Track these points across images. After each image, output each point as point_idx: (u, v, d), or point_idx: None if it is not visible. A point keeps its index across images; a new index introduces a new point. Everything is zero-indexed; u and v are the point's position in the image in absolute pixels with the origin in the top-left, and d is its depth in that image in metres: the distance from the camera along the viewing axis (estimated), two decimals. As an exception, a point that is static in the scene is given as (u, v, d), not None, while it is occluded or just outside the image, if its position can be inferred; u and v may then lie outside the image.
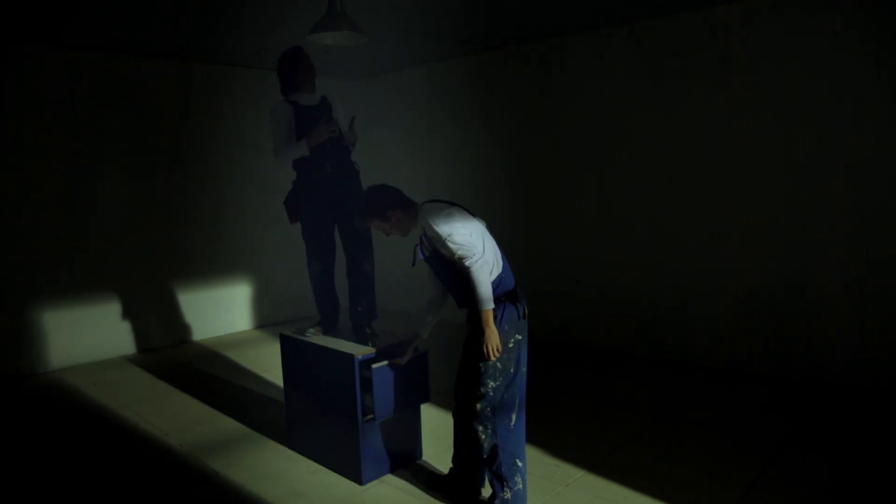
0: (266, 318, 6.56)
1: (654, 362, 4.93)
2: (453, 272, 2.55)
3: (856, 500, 2.87)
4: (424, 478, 3.12)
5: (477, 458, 2.83)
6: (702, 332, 4.76)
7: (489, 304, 2.47)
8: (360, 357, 2.99)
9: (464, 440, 2.83)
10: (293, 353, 3.45)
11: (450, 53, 5.98)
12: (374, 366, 2.91)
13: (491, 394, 2.58)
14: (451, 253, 2.48)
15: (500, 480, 2.61)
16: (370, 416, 3.00)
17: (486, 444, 2.62)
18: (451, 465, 2.99)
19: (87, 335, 5.37)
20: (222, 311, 6.24)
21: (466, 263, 2.45)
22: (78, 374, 5.03)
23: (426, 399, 3.23)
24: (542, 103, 5.57)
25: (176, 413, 4.12)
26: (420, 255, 2.67)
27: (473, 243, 2.47)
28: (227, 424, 3.90)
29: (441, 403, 4.05)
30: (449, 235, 2.46)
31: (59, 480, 3.26)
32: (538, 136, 5.65)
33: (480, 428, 2.62)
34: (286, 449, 3.51)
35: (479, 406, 2.60)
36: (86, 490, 3.15)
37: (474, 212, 2.72)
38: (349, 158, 3.43)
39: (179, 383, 4.72)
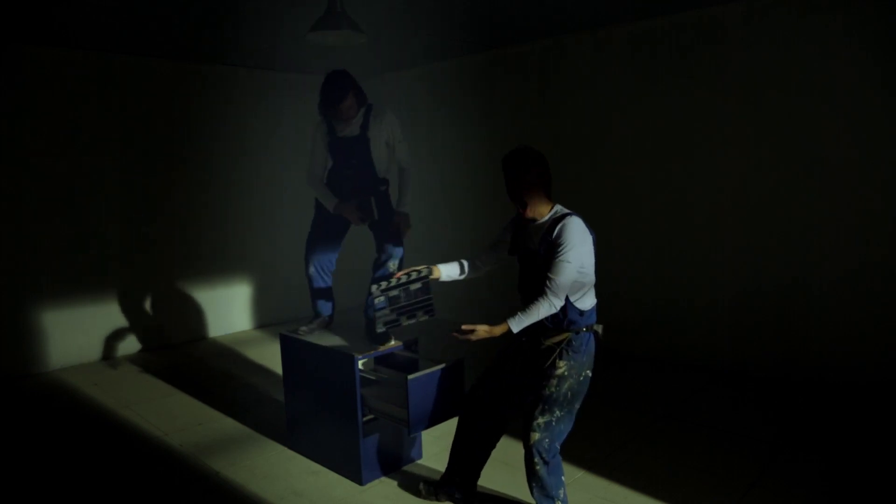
0: (266, 317, 6.56)
1: (654, 362, 4.93)
2: (539, 279, 2.44)
3: (856, 501, 2.87)
4: (425, 478, 3.11)
5: (481, 461, 2.81)
6: (702, 332, 4.76)
7: (517, 328, 2.40)
8: (359, 357, 2.99)
9: (469, 443, 2.78)
10: (293, 353, 3.45)
11: (450, 53, 5.98)
12: (410, 377, 2.70)
13: (554, 423, 2.43)
14: (555, 271, 2.36)
15: (550, 499, 2.50)
16: (406, 430, 2.84)
17: (539, 474, 2.45)
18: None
19: (87, 335, 5.37)
20: (222, 311, 6.24)
21: (547, 292, 2.35)
22: (78, 374, 5.03)
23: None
24: (542, 103, 5.57)
25: (176, 413, 4.12)
26: (527, 249, 2.54)
27: (568, 283, 2.37)
28: (227, 424, 3.90)
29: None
30: (568, 263, 2.34)
31: (59, 480, 3.26)
32: (538, 137, 5.63)
33: (537, 459, 2.44)
34: (286, 449, 3.51)
35: (538, 436, 2.43)
36: (86, 490, 3.15)
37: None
38: (381, 190, 3.44)
39: (179, 383, 4.72)
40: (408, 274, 2.68)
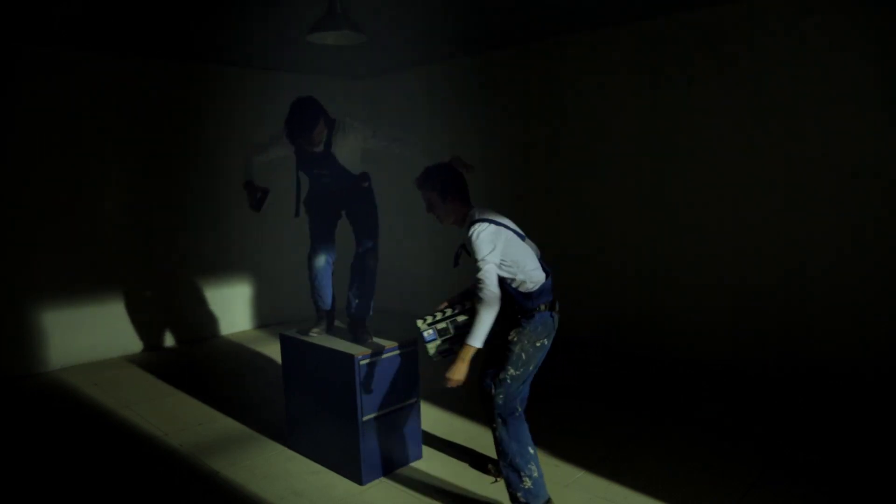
0: (266, 318, 6.56)
1: (654, 362, 4.93)
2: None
3: (856, 500, 2.87)
4: (424, 478, 3.12)
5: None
6: (702, 332, 4.75)
7: (477, 342, 2.54)
8: (360, 357, 2.99)
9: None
10: (293, 353, 3.45)
11: (450, 53, 5.98)
12: (362, 362, 2.97)
13: (508, 381, 2.66)
14: (479, 275, 2.56)
15: (516, 471, 2.66)
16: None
17: (497, 434, 2.69)
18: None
19: (87, 335, 5.37)
20: (222, 311, 6.24)
21: (479, 294, 2.54)
22: (78, 374, 5.03)
23: (416, 396, 3.25)
24: (543, 103, 5.57)
25: (176, 413, 4.12)
26: (467, 253, 2.73)
27: (493, 280, 2.54)
28: (227, 424, 3.90)
29: (441, 403, 4.05)
30: (481, 260, 2.54)
31: (60, 480, 3.25)
32: (538, 137, 5.65)
33: (494, 414, 2.69)
34: (286, 449, 3.51)
35: (492, 391, 2.69)
36: (86, 490, 3.15)
37: (522, 233, 2.77)
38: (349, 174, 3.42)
39: (179, 383, 4.72)
40: (451, 307, 2.87)
